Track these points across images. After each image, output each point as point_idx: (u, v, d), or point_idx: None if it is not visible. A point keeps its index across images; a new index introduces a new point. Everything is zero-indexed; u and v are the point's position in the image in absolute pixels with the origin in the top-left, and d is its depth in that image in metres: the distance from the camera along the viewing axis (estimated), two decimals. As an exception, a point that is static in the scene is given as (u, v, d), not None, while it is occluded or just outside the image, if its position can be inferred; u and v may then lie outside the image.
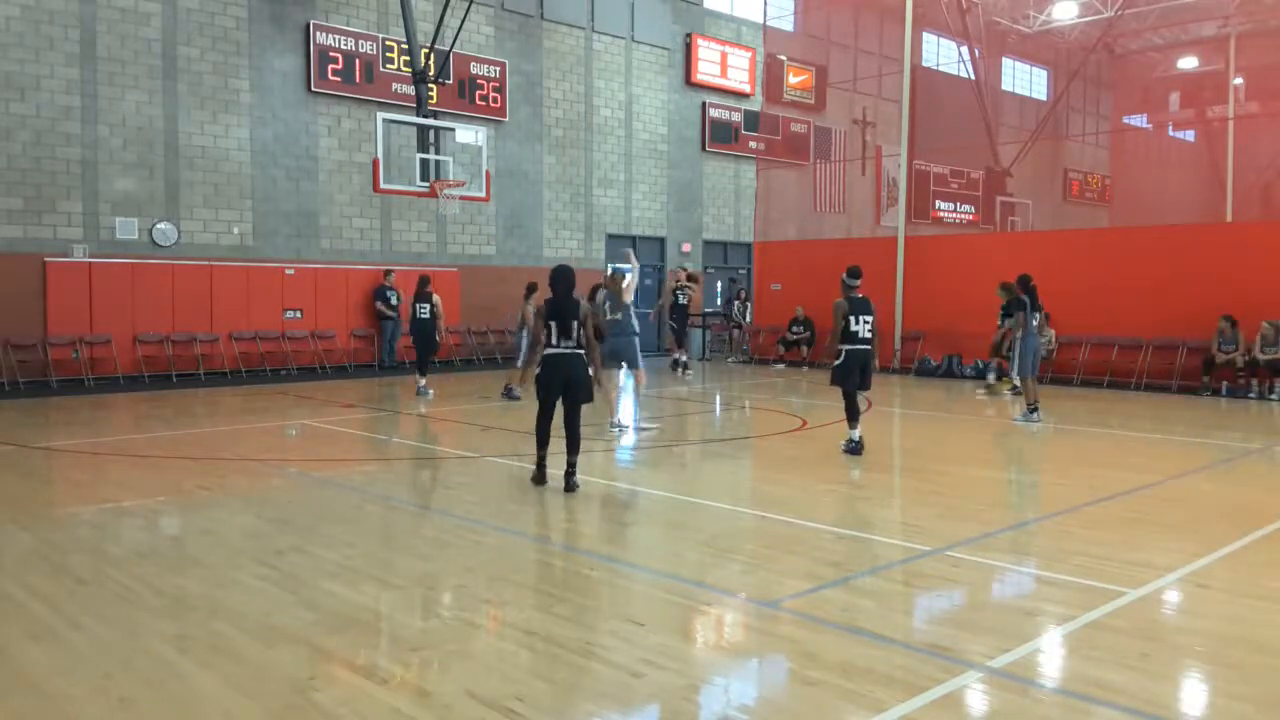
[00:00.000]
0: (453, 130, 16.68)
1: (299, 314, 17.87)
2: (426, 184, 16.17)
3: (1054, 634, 4.55)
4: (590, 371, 7.71)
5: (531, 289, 13.10)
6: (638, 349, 11.13)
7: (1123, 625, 4.63)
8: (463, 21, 17.88)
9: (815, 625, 4.63)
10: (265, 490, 7.84)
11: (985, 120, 26.80)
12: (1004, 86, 30.07)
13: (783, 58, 25.72)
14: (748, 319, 22.26)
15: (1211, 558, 5.82)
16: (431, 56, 17.34)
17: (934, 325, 18.16)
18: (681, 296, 18.67)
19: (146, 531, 6.60)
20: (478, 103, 20.14)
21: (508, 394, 13.68)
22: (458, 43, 18.32)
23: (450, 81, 19.46)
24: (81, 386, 15.09)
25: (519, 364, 12.96)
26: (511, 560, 5.90)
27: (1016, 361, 11.93)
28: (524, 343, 12.57)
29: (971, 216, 28.42)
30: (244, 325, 17.15)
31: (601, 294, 11.97)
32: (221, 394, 14.78)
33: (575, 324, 7.54)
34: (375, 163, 15.44)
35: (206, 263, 16.78)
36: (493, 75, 20.40)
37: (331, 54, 18.13)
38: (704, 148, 24.88)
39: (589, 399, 7.68)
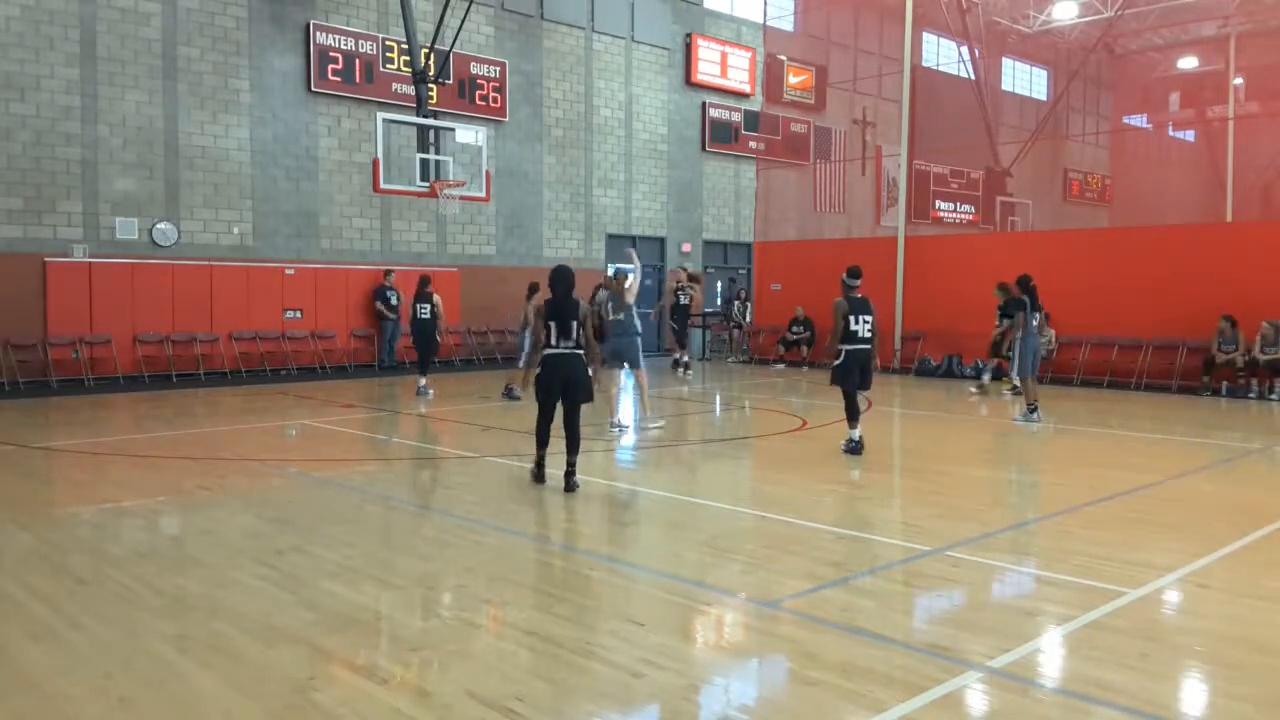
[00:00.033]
0: (453, 130, 16.68)
1: (299, 314, 17.87)
2: (426, 184, 16.17)
3: (1054, 634, 4.55)
4: (590, 371, 7.71)
5: (534, 289, 13.10)
6: (640, 349, 11.13)
7: (1123, 625, 4.63)
8: (463, 21, 17.88)
9: (815, 625, 4.63)
10: (265, 490, 7.84)
11: (985, 120, 26.79)
12: (1004, 86, 30.06)
13: (783, 58, 25.72)
14: (748, 319, 22.26)
15: (1211, 558, 5.82)
16: (431, 56, 17.34)
17: (934, 325, 18.17)
18: (683, 297, 18.68)
19: (146, 531, 6.60)
20: (478, 103, 20.14)
21: (508, 393, 13.69)
22: (458, 43, 18.32)
23: (450, 81, 19.46)
24: (81, 386, 15.09)
25: (521, 364, 12.96)
26: (511, 560, 5.90)
27: (1016, 361, 11.94)
28: (526, 342, 12.57)
29: (971, 216, 28.42)
30: (244, 325, 17.14)
31: (604, 294, 11.97)
32: (221, 394, 14.78)
33: (575, 324, 7.54)
34: (375, 163, 15.44)
35: (206, 263, 16.78)
36: (493, 75, 20.40)
37: (331, 54, 18.13)
38: (704, 148, 24.89)
39: (589, 399, 7.68)
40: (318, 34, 17.94)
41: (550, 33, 21.55)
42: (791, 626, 4.65)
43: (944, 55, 27.38)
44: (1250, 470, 9.15)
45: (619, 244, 22.76)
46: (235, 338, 17.02)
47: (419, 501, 7.71)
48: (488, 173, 17.67)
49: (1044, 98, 31.88)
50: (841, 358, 9.32)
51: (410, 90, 18.11)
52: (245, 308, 17.13)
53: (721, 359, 22.24)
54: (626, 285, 11.07)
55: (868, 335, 9.35)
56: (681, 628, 4.77)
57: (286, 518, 6.81)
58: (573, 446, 7.58)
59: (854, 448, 9.30)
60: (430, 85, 17.65)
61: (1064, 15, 27.20)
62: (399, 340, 18.14)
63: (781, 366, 19.71)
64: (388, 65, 18.84)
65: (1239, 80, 26.83)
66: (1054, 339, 16.18)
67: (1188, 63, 29.69)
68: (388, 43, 18.82)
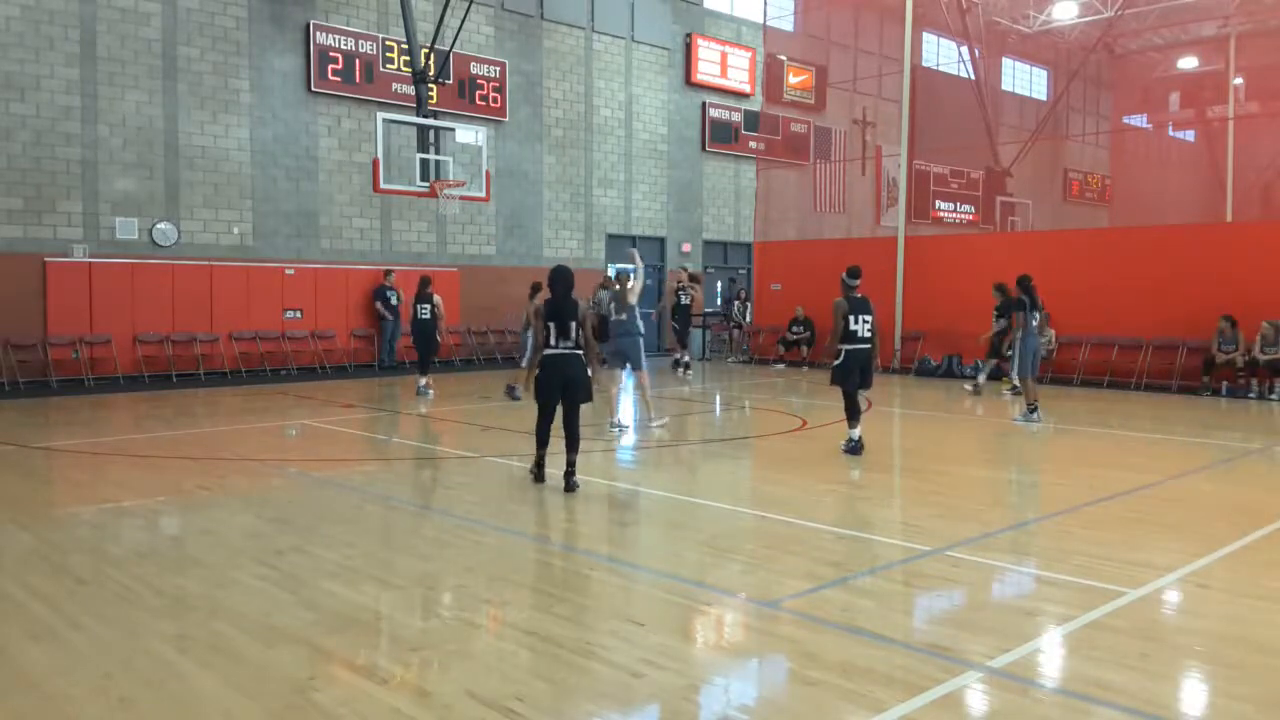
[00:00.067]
0: (453, 130, 16.68)
1: (299, 314, 17.87)
2: (426, 184, 16.17)
3: (1054, 634, 4.55)
4: (589, 372, 7.72)
5: (536, 288, 13.08)
6: (642, 349, 11.13)
7: (1123, 625, 4.63)
8: (463, 21, 17.88)
9: (815, 625, 4.63)
10: (265, 490, 7.84)
11: (985, 120, 26.79)
12: (1004, 86, 30.06)
13: (783, 58, 25.72)
14: (748, 319, 22.26)
15: (1211, 558, 5.82)
16: (431, 56, 17.34)
17: (934, 325, 18.16)
18: (684, 297, 18.70)
19: (146, 531, 6.60)
20: (478, 103, 20.14)
21: (510, 393, 13.69)
22: (458, 43, 18.32)
23: (450, 81, 19.46)
24: (81, 386, 15.09)
25: (524, 364, 12.96)
26: (511, 560, 5.90)
27: (1016, 361, 11.94)
28: (529, 342, 12.57)
29: (971, 216, 28.42)
30: (244, 325, 17.14)
31: (604, 294, 11.96)
32: (221, 394, 14.78)
33: (574, 325, 7.55)
34: (375, 163, 15.44)
35: (206, 263, 16.78)
36: (493, 75, 20.40)
37: (331, 54, 18.13)
38: (704, 148, 24.89)
39: (588, 399, 7.69)
40: (318, 34, 17.94)
41: (550, 33, 21.55)
42: (791, 626, 4.65)
43: (944, 55, 27.38)
44: (1250, 470, 9.15)
45: (619, 244, 22.77)
46: (235, 338, 17.02)
47: (419, 501, 7.71)
48: (488, 173, 17.67)
49: (1044, 98, 31.88)
50: (841, 358, 9.32)
51: (410, 90, 18.12)
52: (245, 308, 17.14)
53: (721, 359, 22.24)
54: (629, 286, 11.06)
55: (868, 335, 9.35)
56: (681, 628, 4.77)
57: (286, 518, 6.81)
58: (572, 446, 7.59)
59: (854, 448, 9.30)
60: (430, 85, 17.65)
61: (1064, 15, 27.20)
62: (399, 340, 18.14)
63: (781, 366, 19.71)
64: (388, 65, 18.84)
65: (1239, 80, 26.83)
66: (1054, 339, 16.18)
67: (1188, 63, 29.69)
68: (388, 43, 18.82)
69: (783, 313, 20.33)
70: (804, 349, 19.65)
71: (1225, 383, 14.68)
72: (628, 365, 11.13)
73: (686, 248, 24.65)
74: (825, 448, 9.77)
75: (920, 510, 7.20)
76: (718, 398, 15.54)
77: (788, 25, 25.88)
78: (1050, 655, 4.36)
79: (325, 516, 6.85)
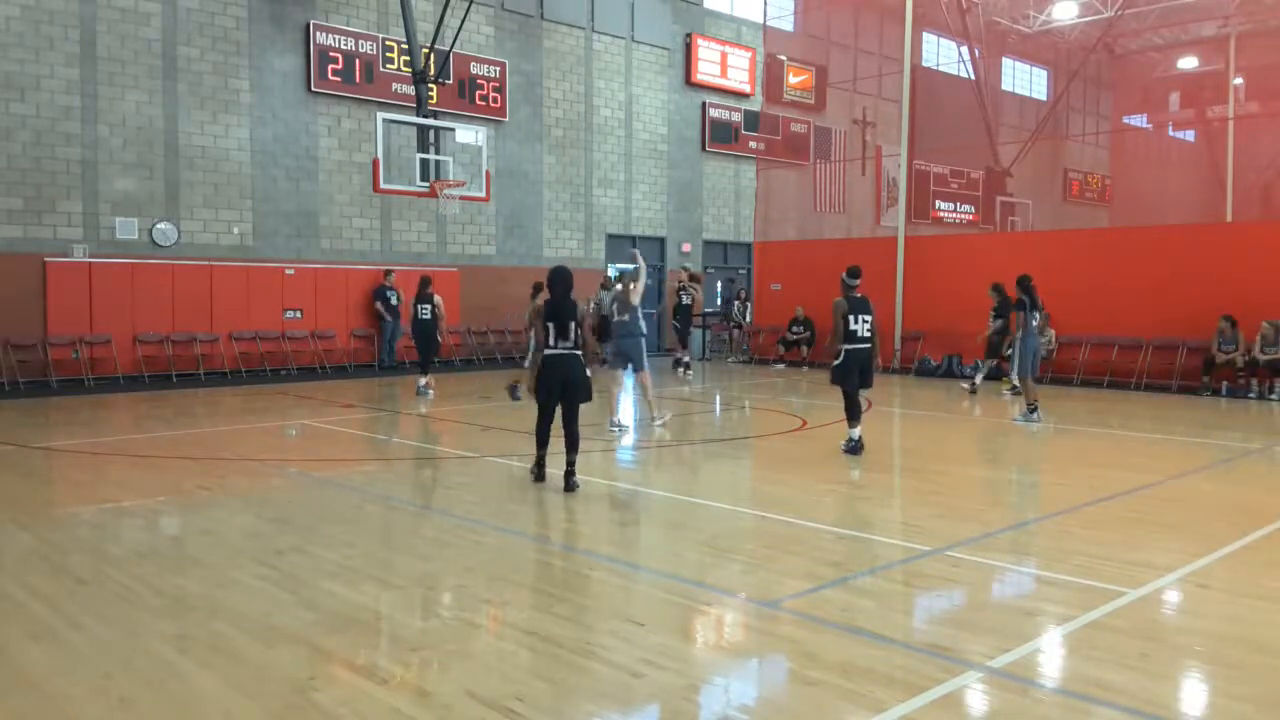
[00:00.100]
0: (453, 130, 16.68)
1: (299, 314, 17.87)
2: (426, 184, 16.17)
3: (1054, 634, 4.55)
4: (587, 372, 7.72)
5: (538, 289, 13.07)
6: (644, 350, 11.12)
7: (1123, 625, 4.63)
8: (463, 21, 17.88)
9: (815, 625, 4.63)
10: (265, 490, 7.84)
11: (985, 120, 26.79)
12: (1004, 86, 30.06)
13: (783, 58, 25.72)
14: (748, 319, 22.27)
15: (1211, 558, 5.82)
16: (431, 56, 17.34)
17: (934, 325, 18.16)
18: (685, 297, 18.70)
19: (146, 531, 6.60)
20: (478, 103, 20.14)
21: (511, 392, 13.68)
22: (458, 43, 18.32)
23: (450, 81, 19.46)
24: (81, 386, 15.09)
25: (527, 364, 12.95)
26: (511, 560, 5.90)
27: (1016, 361, 11.94)
28: (533, 342, 12.56)
29: (971, 216, 28.42)
30: (244, 325, 17.14)
31: (604, 295, 11.95)
32: (221, 394, 14.78)
33: (573, 325, 7.55)
34: (375, 163, 15.44)
35: (206, 263, 16.78)
36: (493, 75, 20.40)
37: (331, 54, 18.13)
38: (704, 148, 24.89)
39: (587, 399, 7.69)
40: (318, 34, 17.94)
41: (550, 33, 21.55)
42: (791, 626, 4.65)
43: (944, 55, 27.38)
44: (1250, 470, 9.15)
45: (619, 244, 22.78)
46: (235, 338, 17.02)
47: (419, 501, 7.71)
48: (488, 173, 17.67)
49: (1044, 98, 31.88)
50: (841, 357, 9.32)
51: (410, 90, 18.12)
52: (245, 308, 17.14)
53: (721, 359, 22.24)
54: (633, 286, 11.02)
55: (867, 335, 9.35)
56: (681, 628, 4.77)
57: (286, 518, 6.81)
58: (572, 446, 7.59)
59: (854, 448, 9.30)
60: (430, 85, 17.65)
61: (1064, 15, 27.20)
62: (399, 340, 18.14)
63: (781, 366, 19.71)
64: (388, 65, 18.84)
65: (1239, 80, 26.83)
66: (1054, 339, 16.18)
67: (1188, 63, 29.69)
68: (388, 43, 18.82)
69: (783, 313, 20.33)
70: (804, 349, 19.66)
71: (1225, 383, 14.68)
72: (630, 365, 11.13)
73: (686, 248, 24.65)
74: (825, 448, 9.77)
75: (920, 510, 7.20)
76: (718, 398, 15.54)
77: (788, 25, 25.88)
78: (1050, 655, 4.36)
79: (325, 516, 6.85)
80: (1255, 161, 27.12)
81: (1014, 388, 13.66)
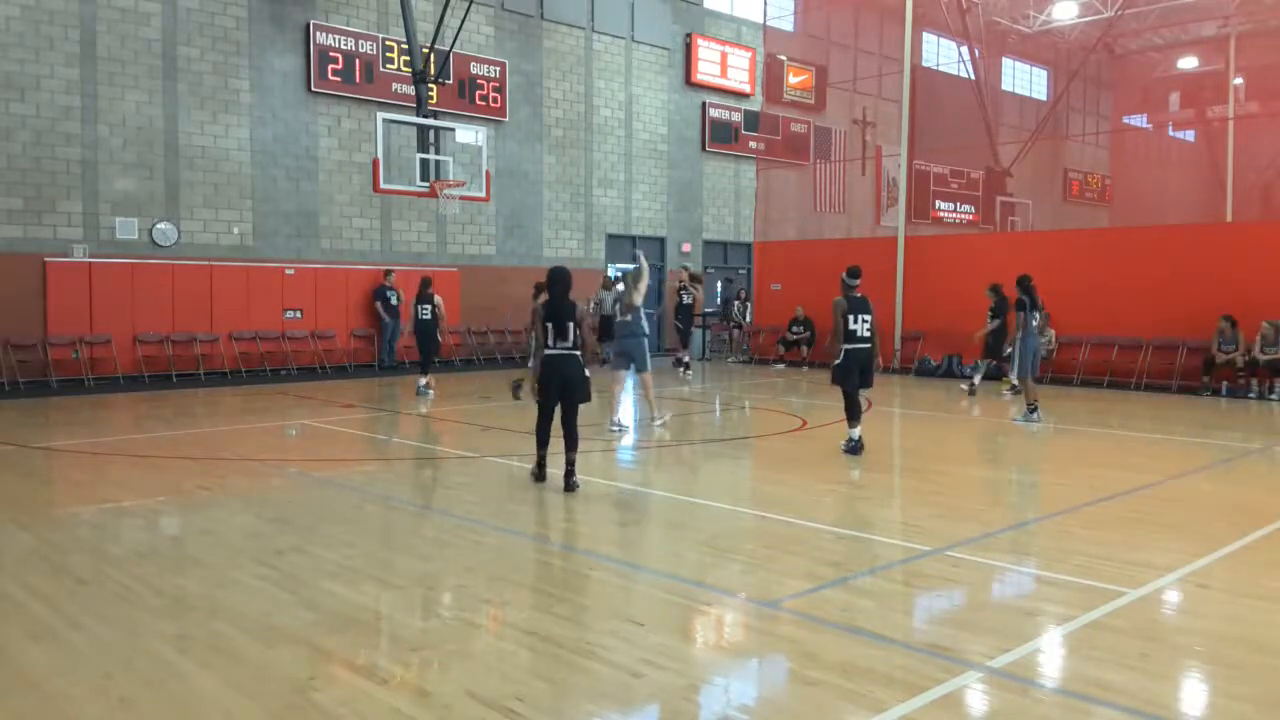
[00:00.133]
0: (453, 130, 16.68)
1: (299, 314, 17.87)
2: (426, 184, 16.17)
3: (1054, 634, 4.55)
4: (586, 372, 7.73)
5: (540, 289, 13.07)
6: (646, 350, 11.11)
7: (1123, 625, 4.63)
8: (463, 21, 17.88)
9: (815, 625, 4.63)
10: (265, 490, 7.84)
11: (985, 120, 26.80)
12: (1004, 86, 30.06)
13: (783, 58, 25.72)
14: (748, 319, 22.27)
15: (1211, 558, 5.82)
16: (431, 56, 17.35)
17: (934, 325, 18.16)
18: (685, 297, 18.70)
19: (146, 531, 6.60)
20: (478, 103, 20.14)
21: (515, 390, 13.69)
22: (458, 43, 18.32)
23: (450, 81, 19.46)
24: (81, 386, 15.09)
25: (530, 364, 12.95)
26: (511, 560, 5.90)
27: (1016, 362, 11.94)
28: (534, 343, 12.56)
29: (971, 216, 28.42)
30: (244, 325, 17.14)
31: (605, 295, 11.94)
32: (221, 394, 14.78)
33: (571, 325, 7.56)
34: (375, 163, 15.44)
35: (206, 263, 16.78)
36: (493, 75, 20.40)
37: (331, 54, 18.13)
38: (704, 148, 24.89)
39: (586, 399, 7.69)
40: (318, 34, 17.94)
41: (550, 33, 21.55)
42: (791, 626, 4.65)
43: (944, 55, 27.38)
44: (1250, 470, 9.15)
45: (619, 244, 22.78)
46: (235, 338, 17.02)
47: (419, 501, 7.71)
48: (488, 173, 17.67)
49: (1044, 98, 31.88)
50: (841, 357, 9.33)
51: (410, 90, 18.11)
52: (245, 308, 17.13)
53: (721, 359, 22.24)
54: (636, 287, 11.00)
55: (867, 334, 9.35)
56: (681, 628, 4.77)
57: (286, 518, 6.81)
58: (571, 446, 7.60)
59: (854, 448, 9.30)
60: (430, 85, 17.65)
61: (1064, 15, 27.20)
62: (399, 340, 18.15)
63: (781, 366, 19.72)
64: (388, 65, 18.84)
65: (1239, 80, 26.83)
66: (1054, 339, 16.18)
67: (1188, 63, 29.69)
68: (388, 43, 18.82)
69: (783, 313, 20.33)
70: (804, 349, 19.66)
71: (1225, 383, 14.68)
72: (631, 366, 11.13)
73: (686, 248, 24.65)
74: (825, 448, 9.77)
75: (920, 510, 7.20)
76: (718, 398, 15.54)
77: (788, 25, 25.88)
78: (1050, 655, 4.36)
79: (325, 516, 6.85)
80: (1255, 161, 27.13)
81: (1014, 387, 13.66)
